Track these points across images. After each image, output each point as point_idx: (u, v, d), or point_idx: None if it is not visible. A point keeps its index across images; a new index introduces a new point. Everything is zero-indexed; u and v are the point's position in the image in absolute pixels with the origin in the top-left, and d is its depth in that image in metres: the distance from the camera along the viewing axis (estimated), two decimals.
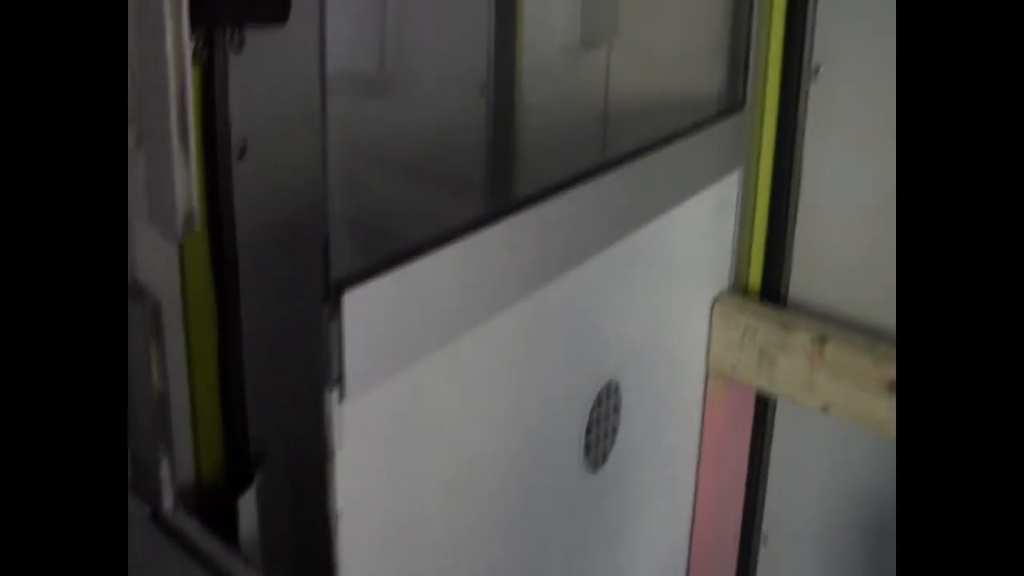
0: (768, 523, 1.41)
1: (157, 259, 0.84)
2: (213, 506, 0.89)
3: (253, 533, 0.90)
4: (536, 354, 0.92)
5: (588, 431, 1.02)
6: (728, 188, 1.27)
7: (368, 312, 0.70)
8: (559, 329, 0.95)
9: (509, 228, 0.83)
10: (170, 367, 0.86)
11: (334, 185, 0.98)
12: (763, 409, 1.36)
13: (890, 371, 1.13)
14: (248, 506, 0.91)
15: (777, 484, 1.39)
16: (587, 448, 1.03)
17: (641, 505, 1.20)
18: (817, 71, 1.26)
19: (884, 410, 1.14)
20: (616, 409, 1.07)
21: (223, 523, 0.86)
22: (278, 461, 0.97)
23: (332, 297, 0.68)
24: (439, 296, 0.77)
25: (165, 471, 0.86)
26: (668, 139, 1.12)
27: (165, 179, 0.75)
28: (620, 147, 1.07)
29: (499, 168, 1.09)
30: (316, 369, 0.74)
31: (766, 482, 1.39)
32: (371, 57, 1.00)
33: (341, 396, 0.70)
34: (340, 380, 0.69)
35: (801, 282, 1.32)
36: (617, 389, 1.06)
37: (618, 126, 1.28)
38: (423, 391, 0.79)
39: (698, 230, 1.22)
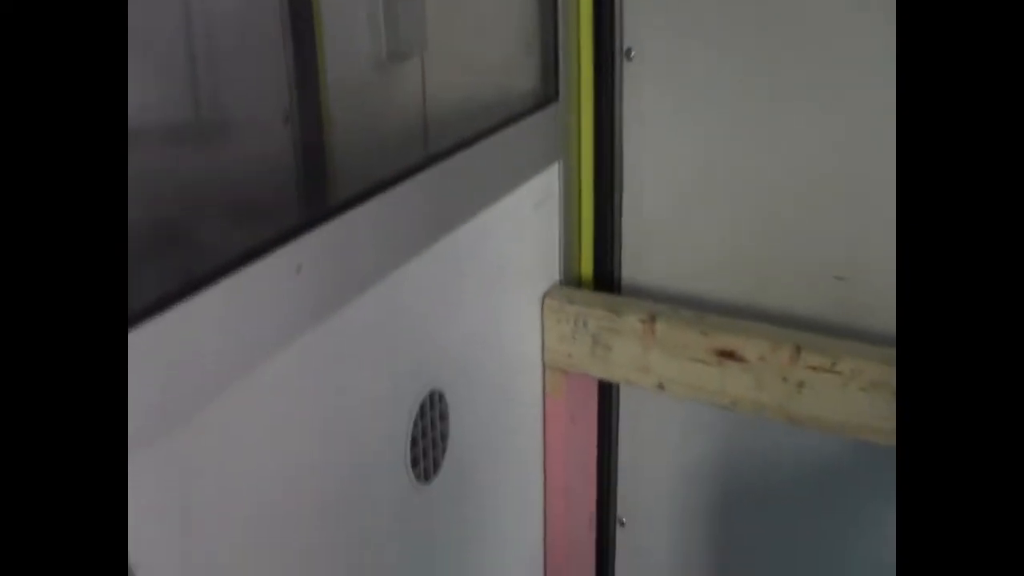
0: (623, 507, 1.42)
1: None
2: None
3: None
4: (343, 376, 0.90)
5: (414, 443, 1.01)
6: (549, 181, 1.26)
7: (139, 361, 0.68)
8: (369, 345, 0.93)
9: (293, 251, 0.80)
10: None
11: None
12: (605, 396, 1.37)
13: (719, 341, 1.14)
14: None
15: (627, 467, 1.40)
16: (414, 461, 1.01)
17: (487, 509, 1.20)
18: (629, 55, 1.26)
19: (716, 380, 1.16)
20: (443, 417, 1.06)
21: None
22: None
23: None
24: (213, 338, 0.74)
25: None
26: (479, 135, 1.11)
27: None
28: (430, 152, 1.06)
29: (310, 196, 1.06)
30: None
31: (616, 467, 1.40)
32: (186, 107, 0.97)
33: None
34: None
35: (632, 268, 1.33)
36: (441, 397, 1.05)
37: (438, 136, 1.26)
38: (214, 439, 0.76)
39: (521, 226, 1.22)
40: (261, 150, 0.99)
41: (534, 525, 1.33)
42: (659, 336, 1.19)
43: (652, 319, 1.19)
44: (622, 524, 1.42)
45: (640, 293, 1.32)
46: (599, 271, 1.34)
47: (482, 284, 1.14)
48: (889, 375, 1.06)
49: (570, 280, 1.33)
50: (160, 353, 0.69)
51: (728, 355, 1.15)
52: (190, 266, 0.75)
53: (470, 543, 1.17)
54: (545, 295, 1.27)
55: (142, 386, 0.68)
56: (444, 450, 1.07)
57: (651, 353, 1.20)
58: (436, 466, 1.06)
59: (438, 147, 1.08)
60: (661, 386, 1.20)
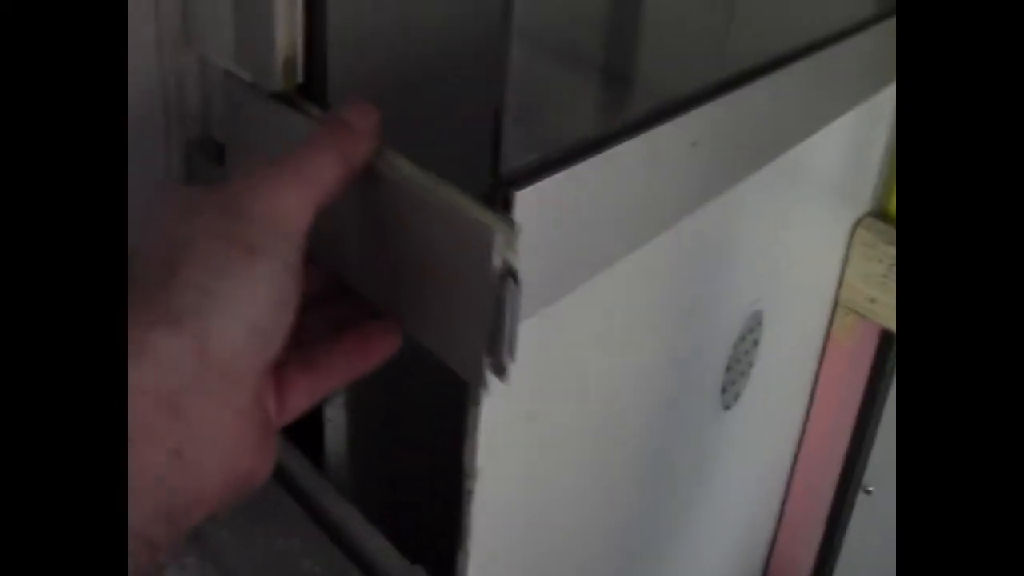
0: (871, 473, 1.27)
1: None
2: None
3: (341, 451, 0.77)
4: (689, 276, 0.77)
5: (728, 368, 0.88)
6: (885, 101, 1.09)
7: (539, 219, 0.54)
8: (713, 249, 0.80)
9: (692, 121, 0.66)
10: None
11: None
12: (885, 350, 1.21)
13: None
14: (336, 414, 0.78)
15: (888, 433, 1.25)
16: (724, 386, 0.88)
17: (758, 447, 1.07)
18: None
19: None
20: (756, 342, 0.92)
21: (304, 434, 0.73)
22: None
23: (500, 197, 0.53)
24: (617, 200, 0.61)
25: None
26: (838, 36, 0.95)
27: (262, 10, 0.59)
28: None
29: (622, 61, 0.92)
30: None
31: (876, 429, 1.25)
32: None
33: None
34: None
35: None
36: (761, 320, 0.91)
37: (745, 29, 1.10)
38: (576, 322, 0.63)
39: (847, 144, 1.05)
40: None
41: (783, 469, 1.20)
42: None
43: None
44: (868, 492, 1.27)
45: None
46: None
47: (808, 201, 0.99)
48: None
49: (878, 213, 1.17)
50: (559, 211, 0.56)
51: None
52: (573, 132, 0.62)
53: (738, 476, 1.04)
54: (857, 224, 1.10)
55: (537, 247, 0.55)
56: (748, 379, 0.93)
57: None
58: (738, 396, 0.92)
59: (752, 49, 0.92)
60: None
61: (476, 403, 0.55)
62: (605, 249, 0.61)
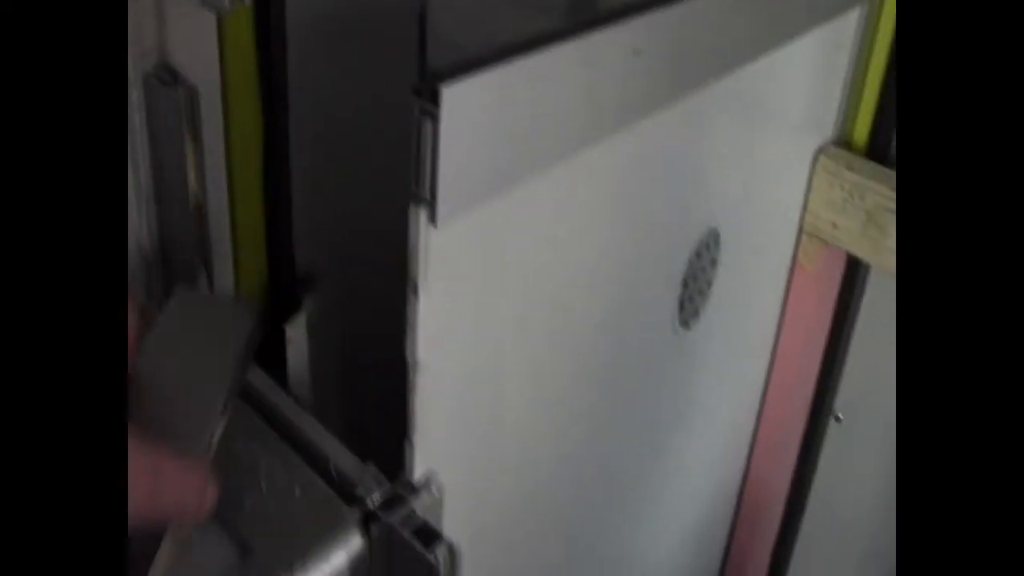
0: (842, 401, 1.29)
1: (194, 38, 0.71)
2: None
3: (302, 367, 0.79)
4: (640, 189, 0.78)
5: (685, 285, 0.89)
6: (847, 26, 1.11)
7: (469, 114, 0.56)
8: (665, 163, 0.81)
9: (635, 30, 0.68)
10: (208, 169, 0.74)
11: None
12: (853, 277, 1.22)
13: None
14: (297, 333, 0.80)
15: (858, 362, 1.27)
16: (681, 304, 0.90)
17: (723, 370, 1.09)
18: None
19: None
20: (714, 262, 0.94)
21: (266, 354, 0.75)
22: (332, 286, 0.85)
23: (427, 90, 0.54)
24: (552, 102, 0.62)
25: (202, 287, 0.74)
26: None
27: None
28: None
29: None
30: (384, 177, 0.62)
31: (845, 357, 1.27)
32: None
33: (432, 218, 0.56)
34: (433, 198, 0.56)
35: None
36: (717, 240, 0.93)
37: None
38: (518, 222, 0.65)
39: (808, 70, 1.07)
40: None
41: (755, 391, 1.22)
42: None
43: None
44: (837, 419, 1.29)
45: None
46: (875, 138, 1.18)
47: (765, 124, 1.00)
48: None
49: (841, 141, 1.18)
50: (491, 109, 0.58)
51: None
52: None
53: (699, 400, 1.06)
54: (819, 152, 1.12)
55: (468, 144, 0.57)
56: (707, 299, 0.95)
57: None
58: (696, 314, 0.94)
59: None
60: None
61: (415, 295, 0.57)
62: (541, 150, 0.63)
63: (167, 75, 0.75)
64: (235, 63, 0.72)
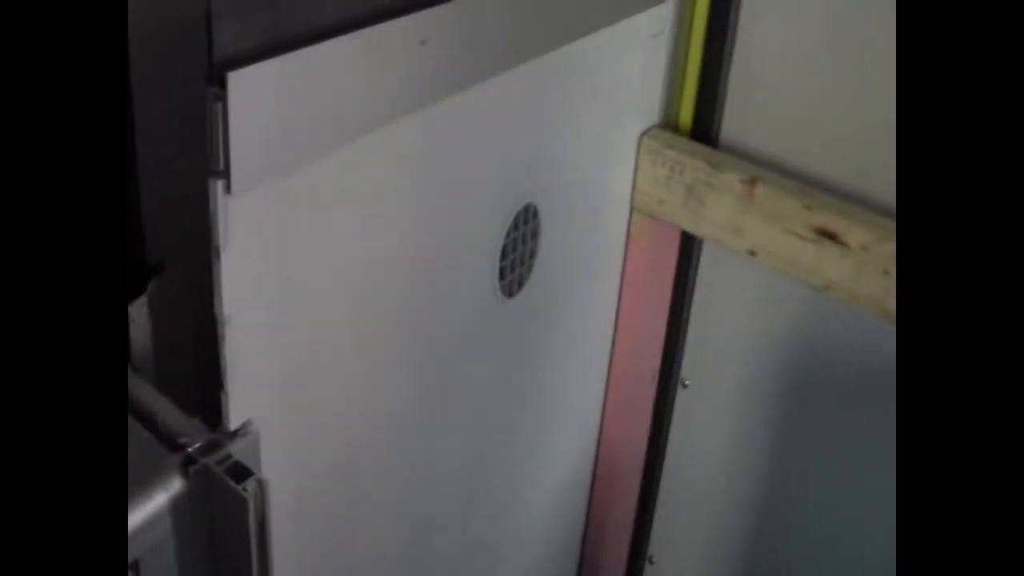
0: (687, 367, 1.39)
1: None
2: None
3: (145, 342, 0.86)
4: (447, 166, 0.87)
5: (504, 255, 0.98)
6: (663, 15, 1.20)
7: (257, 97, 0.64)
8: (473, 143, 0.90)
9: (420, 21, 0.76)
10: None
11: None
12: (688, 250, 1.32)
13: (821, 219, 1.09)
14: (139, 313, 0.86)
15: (699, 328, 1.37)
16: (501, 273, 0.98)
17: (559, 337, 1.17)
18: None
19: (812, 258, 1.11)
20: (534, 234, 1.03)
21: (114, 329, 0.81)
22: (176, 271, 0.92)
23: (215, 76, 0.62)
24: (338, 88, 0.71)
25: None
26: None
27: None
28: None
29: None
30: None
31: (687, 325, 1.37)
32: None
33: (228, 188, 0.64)
34: (226, 170, 0.64)
35: (733, 124, 1.27)
36: (536, 213, 1.02)
37: None
38: (319, 196, 0.73)
39: (628, 57, 1.16)
40: None
41: (600, 364, 1.31)
42: (758, 200, 1.14)
43: (753, 181, 1.14)
44: (684, 385, 1.39)
45: (736, 152, 1.26)
46: (698, 120, 1.28)
47: (585, 108, 1.09)
48: None
49: (667, 124, 1.28)
50: (277, 94, 0.66)
51: (829, 236, 1.10)
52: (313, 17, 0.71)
53: (539, 367, 1.15)
54: (643, 134, 1.22)
55: (257, 124, 0.65)
56: (530, 269, 1.04)
57: (748, 216, 1.15)
58: (520, 284, 1.03)
59: None
60: (752, 252, 1.16)
61: (217, 257, 0.65)
62: (329, 132, 0.71)
63: None
64: None
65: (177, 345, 0.94)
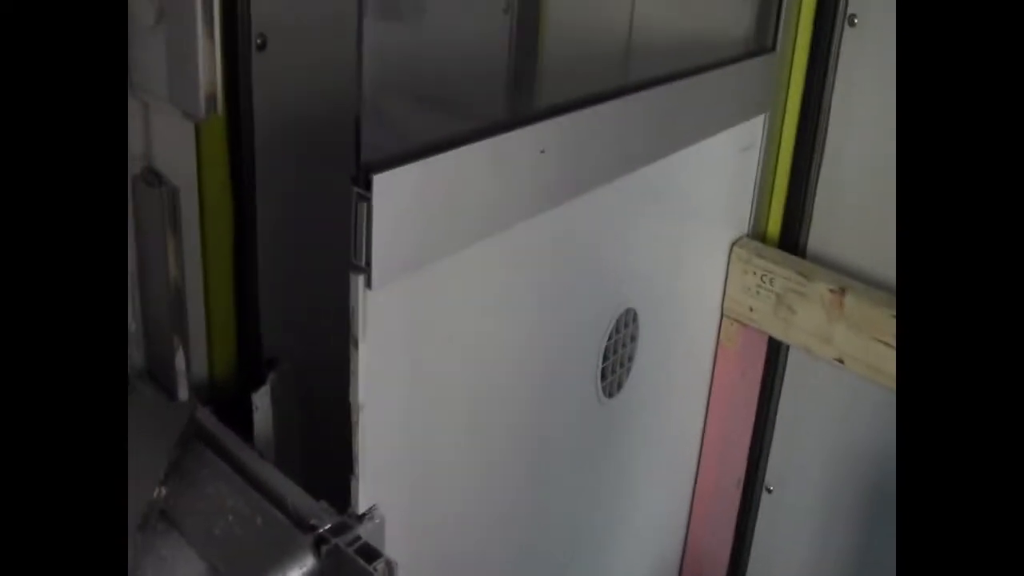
0: (772, 472, 1.40)
1: (175, 144, 0.83)
2: (226, 401, 0.88)
3: (267, 428, 0.90)
4: (557, 270, 0.91)
5: (605, 357, 1.01)
6: (753, 130, 1.25)
7: (396, 198, 0.69)
8: (582, 248, 0.94)
9: (540, 132, 0.81)
10: (186, 259, 0.86)
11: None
12: (775, 356, 1.35)
13: None
14: (262, 402, 0.91)
15: (784, 434, 1.38)
16: (603, 374, 1.02)
17: (651, 439, 1.20)
18: (852, 20, 1.24)
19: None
20: (633, 338, 1.06)
21: (236, 418, 0.86)
22: (291, 365, 0.96)
23: (362, 179, 0.67)
24: (469, 191, 0.76)
25: (180, 362, 0.85)
26: (698, 69, 1.10)
27: (188, 56, 0.73)
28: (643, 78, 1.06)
29: (521, 88, 1.08)
30: (336, 265, 0.74)
31: (773, 430, 1.39)
32: None
33: (368, 283, 0.69)
34: (368, 265, 0.68)
35: (820, 233, 1.30)
36: (635, 318, 1.05)
37: (641, 58, 1.27)
38: (445, 291, 0.78)
39: (720, 170, 1.21)
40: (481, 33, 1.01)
41: (688, 466, 1.33)
42: (847, 309, 1.17)
43: (842, 291, 1.17)
44: (769, 491, 1.40)
45: (822, 261, 1.30)
46: (786, 231, 1.32)
47: (681, 217, 1.13)
48: None
49: (757, 235, 1.32)
50: (414, 196, 0.71)
51: None
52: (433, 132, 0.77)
53: (631, 468, 1.17)
54: (734, 243, 1.26)
55: (396, 223, 0.69)
56: (629, 371, 1.07)
57: (836, 325, 1.18)
58: (620, 385, 1.06)
59: (642, 72, 1.08)
60: (840, 360, 1.18)
61: (355, 347, 0.69)
62: (459, 232, 0.76)
63: (152, 177, 0.88)
64: (210, 166, 0.85)
65: (293, 432, 0.99)
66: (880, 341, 1.15)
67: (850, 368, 1.18)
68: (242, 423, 0.90)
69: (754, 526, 1.43)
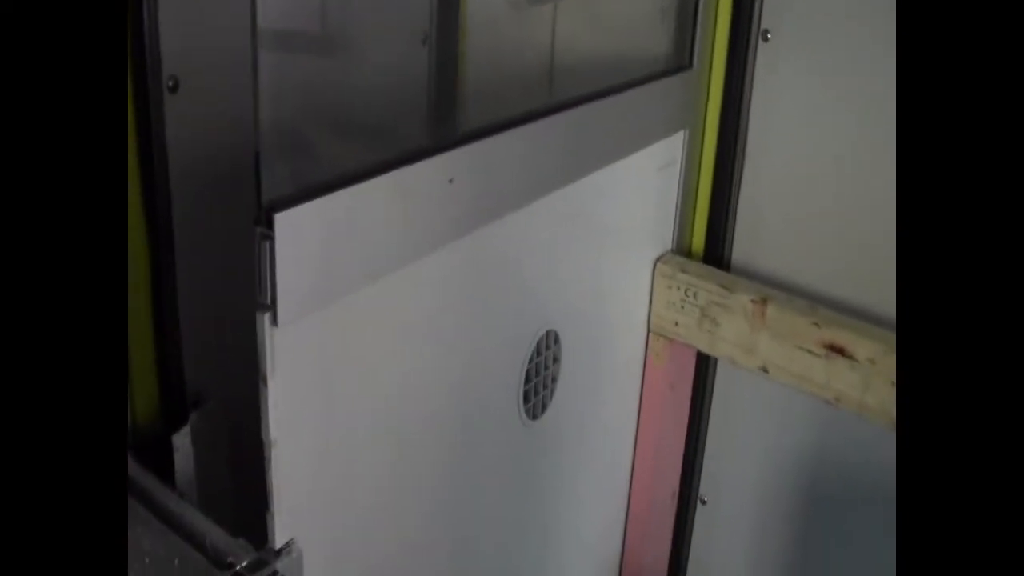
0: (706, 484, 1.42)
1: None
2: (147, 444, 0.88)
3: (188, 468, 0.90)
4: (473, 296, 0.92)
5: (527, 379, 1.02)
6: (673, 148, 1.27)
7: (301, 236, 0.70)
8: (497, 273, 0.95)
9: (447, 161, 0.82)
10: None
11: (270, 136, 0.98)
12: (704, 369, 1.37)
13: (830, 334, 1.14)
14: (182, 443, 0.90)
15: (716, 445, 1.40)
16: (525, 396, 1.03)
17: (581, 458, 1.21)
18: (766, 36, 1.26)
19: (822, 373, 1.15)
20: (556, 359, 1.07)
21: (157, 461, 0.86)
22: (216, 403, 0.96)
23: (263, 218, 0.68)
24: (374, 226, 0.76)
25: None
26: (613, 89, 1.12)
27: None
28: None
29: (440, 118, 1.09)
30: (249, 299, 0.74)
31: (705, 442, 1.40)
32: (311, 17, 1.00)
33: (274, 320, 0.69)
34: (273, 303, 0.69)
35: (743, 247, 1.33)
36: (556, 339, 1.06)
37: (564, 82, 1.28)
38: (356, 325, 0.78)
39: (642, 188, 1.22)
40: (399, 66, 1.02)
41: (621, 482, 1.34)
42: (769, 319, 1.19)
43: (764, 301, 1.19)
44: (703, 502, 1.42)
45: (746, 274, 1.32)
46: (710, 246, 1.34)
47: (602, 236, 1.15)
48: None
49: (681, 250, 1.34)
50: (319, 232, 0.71)
51: (838, 350, 1.15)
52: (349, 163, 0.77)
53: (561, 488, 1.18)
54: (658, 260, 1.27)
55: (301, 260, 0.70)
56: (552, 393, 1.08)
57: (759, 335, 1.20)
58: (544, 407, 1.07)
59: (564, 95, 1.09)
60: (765, 369, 1.20)
61: (265, 384, 0.70)
62: (367, 266, 0.77)
63: None
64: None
65: (220, 472, 0.98)
66: (803, 349, 1.17)
67: (775, 377, 1.20)
68: (166, 463, 0.90)
69: (690, 538, 1.45)
